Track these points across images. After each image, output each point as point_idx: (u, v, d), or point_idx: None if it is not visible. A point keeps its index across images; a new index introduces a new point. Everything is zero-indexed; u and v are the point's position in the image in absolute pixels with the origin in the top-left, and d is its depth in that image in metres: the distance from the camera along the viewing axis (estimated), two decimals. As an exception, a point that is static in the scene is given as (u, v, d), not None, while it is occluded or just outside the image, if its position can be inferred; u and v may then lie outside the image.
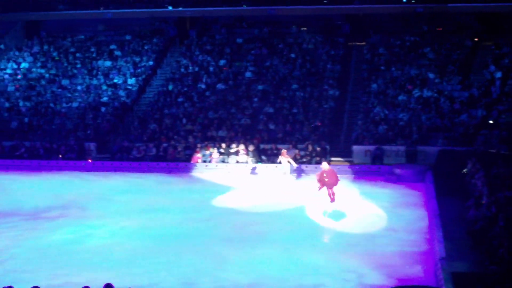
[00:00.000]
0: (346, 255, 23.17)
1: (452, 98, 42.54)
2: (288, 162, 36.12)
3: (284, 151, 36.79)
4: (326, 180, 30.18)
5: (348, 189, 33.62)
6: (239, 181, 36.20)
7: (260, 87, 46.51)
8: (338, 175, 30.94)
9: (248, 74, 48.04)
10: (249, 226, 27.30)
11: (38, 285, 15.56)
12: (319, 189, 30.46)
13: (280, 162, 36.32)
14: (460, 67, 45.38)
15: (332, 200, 30.14)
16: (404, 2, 51.34)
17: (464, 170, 32.83)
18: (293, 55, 49.20)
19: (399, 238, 25.35)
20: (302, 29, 52.77)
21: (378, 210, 29.58)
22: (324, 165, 30.99)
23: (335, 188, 30.30)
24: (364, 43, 50.34)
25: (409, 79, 44.75)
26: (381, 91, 44.21)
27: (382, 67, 46.47)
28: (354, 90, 46.13)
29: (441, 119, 40.81)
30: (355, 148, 39.87)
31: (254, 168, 38.35)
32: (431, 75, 44.79)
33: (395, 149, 39.04)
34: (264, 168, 38.22)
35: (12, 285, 15.92)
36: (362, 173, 37.18)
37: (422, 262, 22.39)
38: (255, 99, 45.29)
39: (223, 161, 39.54)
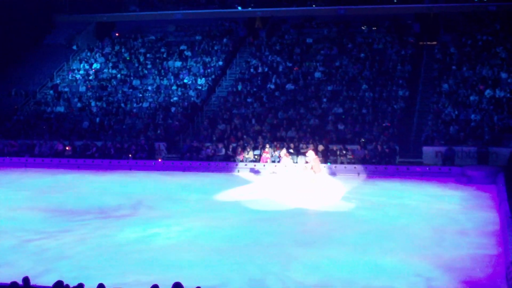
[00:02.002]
0: (415, 258, 22.85)
1: (525, 98, 41.80)
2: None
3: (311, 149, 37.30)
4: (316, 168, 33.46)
5: (418, 191, 33.32)
6: (306, 181, 36.03)
7: (329, 87, 46.33)
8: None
9: (317, 74, 47.90)
10: (317, 226, 27.18)
11: (105, 283, 15.66)
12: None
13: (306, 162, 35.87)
14: (534, 67, 44.56)
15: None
16: (476, 0, 50.62)
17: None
18: (362, 55, 48.90)
19: (470, 241, 24.89)
20: (372, 28, 52.37)
21: (448, 212, 29.15)
22: (312, 154, 34.36)
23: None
24: (435, 43, 49.80)
25: (481, 79, 44.05)
26: (452, 91, 43.62)
27: (453, 67, 45.85)
28: (425, 90, 45.63)
29: (514, 119, 40.14)
30: (425, 149, 39.42)
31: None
32: (503, 75, 44.06)
33: (466, 150, 38.52)
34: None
35: (81, 282, 16.06)
36: (432, 175, 36.82)
37: (493, 266, 21.93)
38: (324, 100, 45.13)
39: (292, 162, 39.47)
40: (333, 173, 38.10)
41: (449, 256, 22.89)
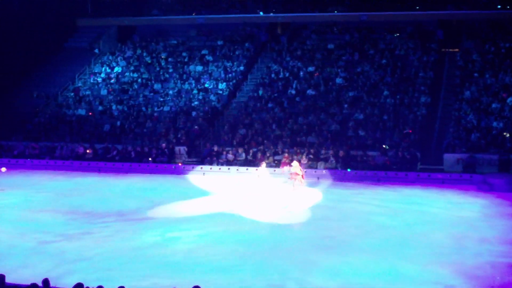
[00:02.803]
0: (436, 265, 22.71)
1: (548, 106, 41.53)
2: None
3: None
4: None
5: (439, 198, 33.20)
6: (327, 187, 36.01)
7: (350, 93, 46.21)
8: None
9: (338, 80, 47.81)
10: (337, 233, 27.04)
11: (125, 286, 15.67)
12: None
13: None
14: (557, 75, 44.25)
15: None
16: (499, 8, 50.33)
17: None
18: (384, 61, 48.73)
19: (490, 248, 24.72)
20: (394, 35, 52.20)
21: (469, 220, 28.98)
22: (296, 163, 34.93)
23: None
24: (457, 50, 49.59)
25: (504, 87, 43.82)
26: (474, 98, 43.39)
27: (476, 74, 45.61)
28: (446, 97, 45.43)
29: (536, 128, 39.88)
30: (446, 156, 39.26)
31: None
32: (526, 83, 43.78)
33: (487, 158, 38.28)
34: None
35: (101, 284, 16.07)
36: (453, 182, 36.67)
37: (514, 274, 21.82)
38: (345, 105, 45.02)
39: (311, 167, 39.44)
40: (353, 179, 37.95)
41: (469, 264, 22.74)
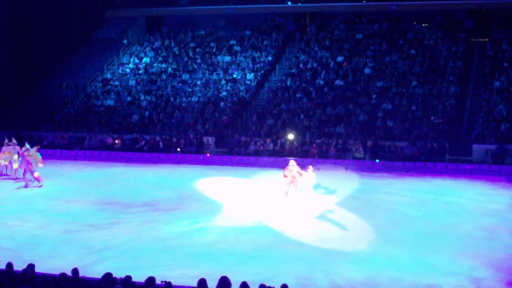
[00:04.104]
0: (465, 256, 22.62)
1: None
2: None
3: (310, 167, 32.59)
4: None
5: (468, 189, 33.04)
6: (353, 177, 35.92)
7: (379, 83, 46.02)
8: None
9: (367, 70, 47.62)
10: (365, 223, 26.99)
11: (154, 276, 15.77)
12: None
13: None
14: None
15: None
16: (530, -4, 49.92)
17: None
18: (413, 51, 48.48)
19: (520, 240, 24.62)
20: (423, 24, 51.89)
21: (498, 211, 28.79)
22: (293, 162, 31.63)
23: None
24: (487, 39, 49.18)
25: (534, 77, 43.42)
26: (504, 88, 43.03)
27: (506, 64, 45.19)
28: (476, 87, 45.09)
29: None
30: (475, 146, 38.98)
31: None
32: (557, 72, 43.38)
33: (517, 149, 38.00)
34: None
35: (129, 274, 16.18)
36: (482, 173, 36.45)
37: (544, 265, 21.68)
38: (374, 96, 44.86)
39: (339, 157, 39.39)
40: (381, 170, 37.83)
41: (498, 256, 22.64)
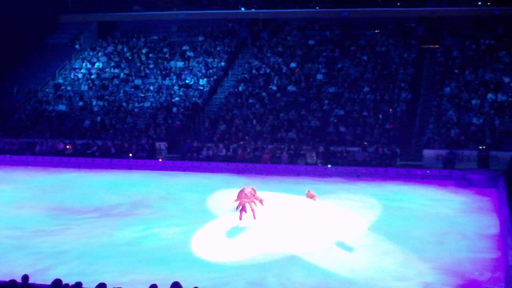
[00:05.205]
0: (415, 261, 22.85)
1: (527, 103, 41.79)
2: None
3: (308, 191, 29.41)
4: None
5: (418, 194, 33.39)
6: (307, 183, 36.01)
7: (331, 89, 46.29)
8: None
9: (319, 76, 47.88)
10: (317, 228, 27.09)
11: (105, 282, 15.67)
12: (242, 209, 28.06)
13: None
14: (537, 72, 44.51)
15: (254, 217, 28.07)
16: (480, 4, 50.55)
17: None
18: (365, 58, 48.84)
19: (469, 244, 24.89)
20: (375, 31, 52.31)
21: (448, 216, 29.13)
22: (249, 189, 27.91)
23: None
24: (437, 46, 49.72)
25: (483, 83, 44.00)
26: (455, 94, 43.58)
27: (456, 71, 45.77)
28: (427, 94, 45.59)
29: (515, 124, 40.13)
30: (426, 152, 39.41)
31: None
32: (506, 79, 44.01)
33: (467, 154, 38.49)
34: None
35: (80, 280, 16.06)
36: (432, 178, 36.80)
37: (493, 269, 21.93)
38: (326, 101, 45.10)
39: (292, 163, 39.53)
40: (333, 175, 38.01)
41: (448, 260, 22.89)
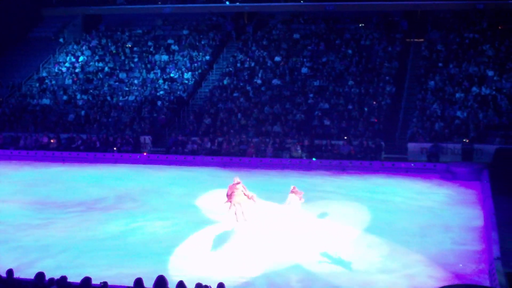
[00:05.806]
0: (399, 253, 22.95)
1: (510, 96, 41.89)
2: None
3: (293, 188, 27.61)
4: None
5: (403, 187, 33.50)
6: (292, 176, 36.06)
7: (316, 83, 46.33)
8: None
9: (304, 70, 47.89)
10: (302, 222, 27.09)
11: (90, 276, 15.67)
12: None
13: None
14: (520, 65, 44.68)
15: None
16: (464, -2, 50.76)
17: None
18: (350, 51, 48.88)
19: (453, 236, 25.04)
20: (359, 25, 52.37)
21: (432, 208, 29.25)
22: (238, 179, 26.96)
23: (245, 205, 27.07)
24: (422, 40, 49.84)
25: (467, 77, 44.12)
26: (439, 88, 43.70)
27: (440, 64, 45.89)
28: (411, 87, 45.71)
29: (498, 117, 40.26)
30: (410, 145, 39.50)
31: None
32: (489, 73, 44.14)
33: (451, 147, 38.62)
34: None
35: (65, 275, 16.06)
36: (417, 171, 36.91)
37: (477, 261, 22.07)
38: (311, 95, 45.13)
39: (277, 156, 39.57)
40: (318, 168, 38.06)
41: (432, 252, 23.00)
